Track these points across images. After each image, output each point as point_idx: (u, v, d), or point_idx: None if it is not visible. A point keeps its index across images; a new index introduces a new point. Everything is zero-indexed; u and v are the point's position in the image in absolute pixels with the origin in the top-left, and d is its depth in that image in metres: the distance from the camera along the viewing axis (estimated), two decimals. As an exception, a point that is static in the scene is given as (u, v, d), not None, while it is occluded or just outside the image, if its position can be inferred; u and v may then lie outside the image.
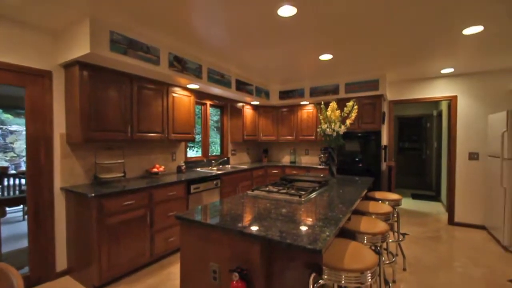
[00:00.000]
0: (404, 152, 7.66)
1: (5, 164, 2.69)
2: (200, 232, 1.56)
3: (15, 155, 2.71)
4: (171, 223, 2.98)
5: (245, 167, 4.54)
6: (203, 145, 4.54)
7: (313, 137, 4.97)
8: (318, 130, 3.32)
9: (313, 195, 2.20)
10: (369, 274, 1.31)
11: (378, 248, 1.92)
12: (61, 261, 2.61)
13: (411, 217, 4.65)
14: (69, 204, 2.59)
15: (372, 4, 2.09)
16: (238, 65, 3.80)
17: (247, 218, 1.57)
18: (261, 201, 1.99)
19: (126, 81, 2.81)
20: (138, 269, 2.73)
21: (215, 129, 4.94)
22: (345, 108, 2.98)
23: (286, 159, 5.74)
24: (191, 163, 4.14)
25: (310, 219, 1.54)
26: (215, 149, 4.93)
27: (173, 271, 2.71)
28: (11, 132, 2.63)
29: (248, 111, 5.01)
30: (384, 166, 4.35)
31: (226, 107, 4.98)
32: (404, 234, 3.76)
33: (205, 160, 4.42)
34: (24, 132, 2.41)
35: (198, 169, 4.18)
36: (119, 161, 3.02)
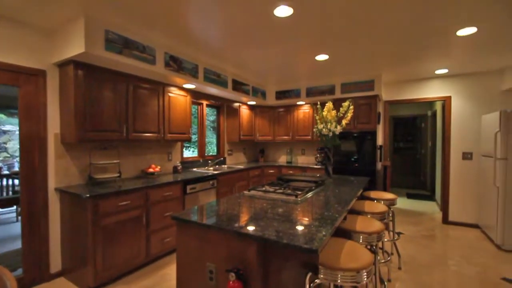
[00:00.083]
0: (399, 152, 7.73)
1: (-2, 164, 2.66)
2: (197, 232, 1.56)
3: (8, 155, 2.68)
4: (167, 224, 2.97)
5: (242, 167, 4.54)
6: (200, 145, 4.53)
7: (309, 137, 4.98)
8: (314, 130, 3.33)
9: (309, 195, 2.21)
10: (365, 273, 1.32)
11: (374, 247, 1.94)
12: (56, 263, 2.58)
13: (406, 216, 4.69)
14: (63, 205, 2.57)
15: (367, 5, 2.10)
16: (235, 65, 3.80)
17: (244, 218, 1.57)
18: (257, 201, 1.99)
19: (122, 80, 2.79)
20: (134, 270, 2.71)
21: (211, 129, 4.93)
22: (341, 108, 3.00)
23: (282, 159, 5.76)
24: (187, 163, 4.13)
25: (307, 219, 1.54)
26: (212, 149, 4.92)
27: (169, 272, 2.70)
28: (4, 132, 2.60)
29: (244, 111, 5.01)
30: (379, 166, 4.38)
31: (223, 107, 4.98)
32: (399, 233, 3.79)
33: (201, 160, 4.41)
34: (17, 132, 2.38)
35: (194, 169, 4.17)
36: (115, 161, 2.99)
